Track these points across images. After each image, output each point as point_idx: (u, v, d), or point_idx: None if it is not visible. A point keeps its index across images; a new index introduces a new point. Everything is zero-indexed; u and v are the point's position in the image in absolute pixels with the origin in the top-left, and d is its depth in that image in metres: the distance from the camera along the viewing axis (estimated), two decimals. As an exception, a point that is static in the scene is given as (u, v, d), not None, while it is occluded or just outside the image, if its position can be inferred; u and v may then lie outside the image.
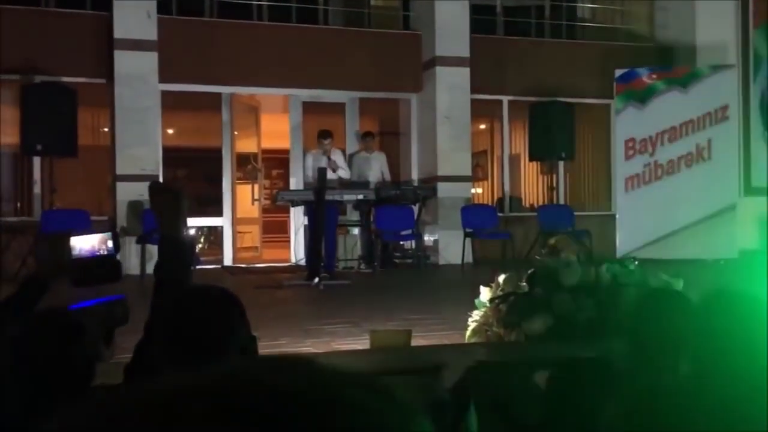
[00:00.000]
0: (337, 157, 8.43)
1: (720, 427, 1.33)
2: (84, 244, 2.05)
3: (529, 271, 3.58)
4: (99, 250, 2.05)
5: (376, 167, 9.25)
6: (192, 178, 12.06)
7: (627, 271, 3.61)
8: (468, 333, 3.58)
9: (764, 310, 1.55)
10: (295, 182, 9.83)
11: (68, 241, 2.07)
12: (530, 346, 3.18)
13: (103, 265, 2.10)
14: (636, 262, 4.52)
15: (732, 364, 1.40)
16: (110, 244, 2.06)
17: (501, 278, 3.57)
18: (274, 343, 4.12)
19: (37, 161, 8.60)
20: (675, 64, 10.40)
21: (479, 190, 11.67)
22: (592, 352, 2.98)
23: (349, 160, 9.49)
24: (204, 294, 1.75)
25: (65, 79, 8.47)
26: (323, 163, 8.03)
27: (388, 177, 9.39)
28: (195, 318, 1.60)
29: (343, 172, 8.43)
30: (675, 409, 1.28)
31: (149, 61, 8.69)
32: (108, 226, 7.78)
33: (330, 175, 7.90)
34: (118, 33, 8.59)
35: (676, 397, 1.33)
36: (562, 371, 2.21)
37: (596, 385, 1.86)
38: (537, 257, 3.90)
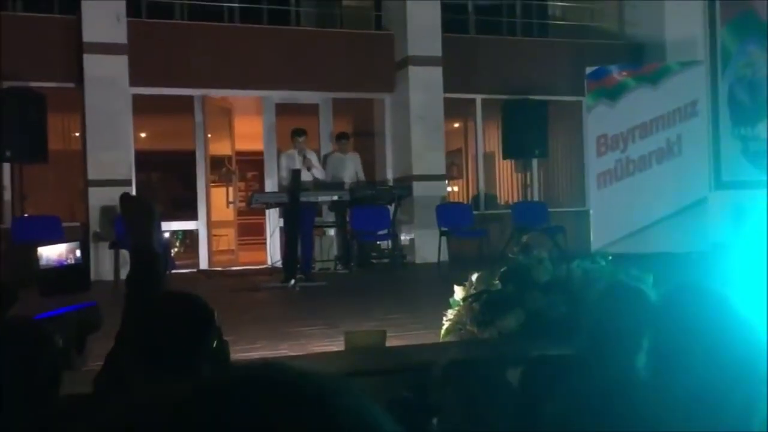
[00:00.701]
0: (312, 157, 8.41)
1: (678, 422, 1.35)
2: (51, 253, 2.03)
3: (502, 269, 3.61)
4: (67, 259, 2.04)
5: (351, 168, 9.25)
6: (166, 181, 11.96)
7: (598, 266, 3.65)
8: (442, 332, 3.60)
9: (725, 303, 1.58)
10: (270, 184, 9.80)
11: (35, 251, 2.04)
12: (503, 343, 3.21)
13: (71, 275, 2.08)
14: (610, 257, 4.57)
15: (690, 359, 1.43)
16: (78, 253, 2.05)
17: (474, 277, 3.59)
18: (251, 347, 4.11)
19: (6, 167, 8.47)
20: (645, 61, 10.54)
21: (455, 189, 11.73)
22: (564, 348, 3.01)
23: (324, 161, 9.48)
24: (174, 301, 1.75)
25: (34, 84, 8.36)
26: (297, 163, 8.01)
27: (362, 177, 9.39)
28: (164, 325, 1.59)
29: (318, 172, 8.39)
30: (630, 403, 1.30)
31: (119, 64, 8.61)
32: (77, 235, 7.70)
33: (305, 175, 7.88)
34: (87, 36, 8.50)
35: (632, 391, 1.35)
36: (533, 368, 2.23)
37: (566, 382, 1.89)
38: (510, 255, 3.94)
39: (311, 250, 7.80)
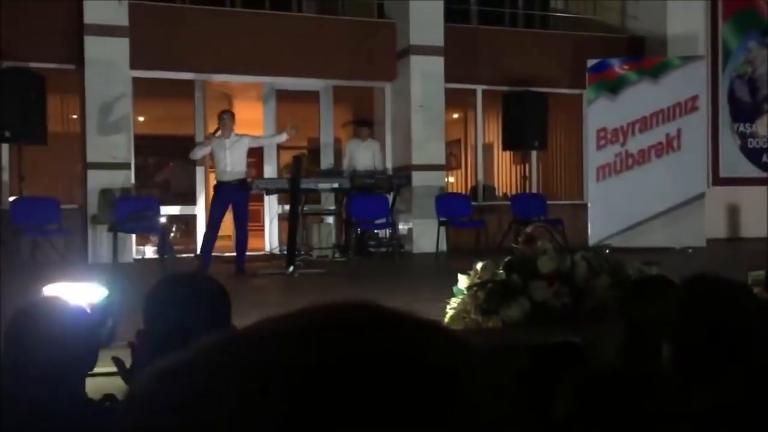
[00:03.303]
0: (237, 139, 7.42)
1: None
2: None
3: (506, 259, 3.62)
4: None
5: (367, 155, 9.20)
6: (164, 166, 11.93)
7: (601, 259, 3.66)
8: (446, 320, 3.61)
9: (742, 292, 1.59)
10: (270, 170, 9.80)
11: None
12: (507, 332, 3.23)
13: None
14: (607, 251, 4.58)
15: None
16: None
17: (479, 266, 3.60)
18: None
19: (5, 148, 8.44)
20: (646, 55, 10.54)
21: (452, 179, 11.73)
22: (568, 336, 3.03)
23: (336, 147, 9.54)
24: (199, 283, 1.73)
25: (33, 64, 8.30)
26: (226, 145, 7.25)
27: (380, 165, 9.33)
28: (186, 305, 1.59)
29: (244, 143, 7.48)
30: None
31: (120, 47, 8.56)
32: (75, 217, 7.63)
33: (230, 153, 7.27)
34: (88, 18, 8.44)
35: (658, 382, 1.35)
36: (536, 356, 2.24)
37: (568, 369, 1.89)
38: (513, 245, 3.95)
39: (246, 239, 7.40)
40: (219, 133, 7.34)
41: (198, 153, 7.56)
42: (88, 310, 1.88)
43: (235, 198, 7.16)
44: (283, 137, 7.91)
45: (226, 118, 7.39)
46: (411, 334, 0.40)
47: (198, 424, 0.35)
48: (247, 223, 7.47)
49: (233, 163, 7.21)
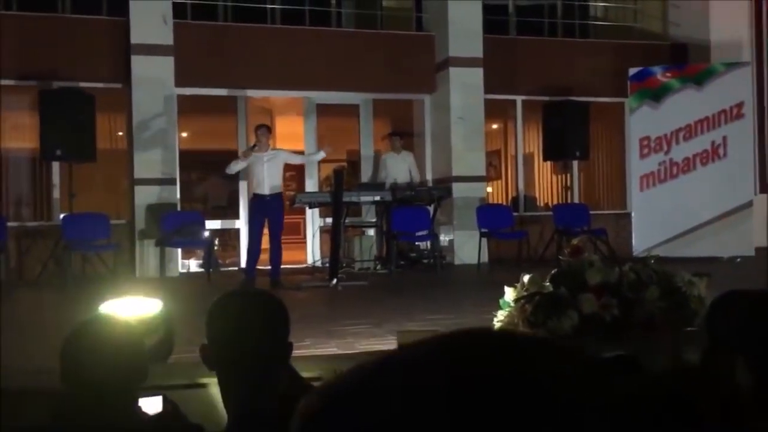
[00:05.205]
0: (274, 153, 7.50)
1: None
2: None
3: (553, 271, 3.61)
4: None
5: (402, 167, 9.27)
6: (208, 180, 12.13)
7: (650, 270, 3.63)
8: (493, 333, 3.61)
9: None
10: (312, 184, 9.89)
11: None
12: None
13: None
14: (652, 261, 4.53)
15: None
16: None
17: (525, 278, 3.59)
18: (299, 344, 4.14)
19: (56, 166, 8.69)
20: (689, 62, 10.40)
21: (489, 189, 11.69)
22: (617, 349, 3.01)
23: (376, 160, 9.57)
24: (260, 299, 1.76)
25: (83, 84, 8.55)
26: (263, 159, 7.29)
27: (416, 177, 9.38)
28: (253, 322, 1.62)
29: (280, 158, 7.53)
30: None
31: (165, 65, 8.75)
32: (123, 232, 7.73)
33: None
34: (135, 38, 8.66)
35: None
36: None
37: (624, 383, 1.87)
38: (560, 257, 3.93)
39: (280, 253, 7.40)
40: (256, 147, 7.38)
41: (234, 168, 7.56)
42: (141, 326, 1.94)
43: (271, 211, 7.23)
44: (320, 155, 8.04)
45: (262, 133, 7.45)
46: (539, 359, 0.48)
47: None
48: (281, 237, 7.51)
49: (270, 176, 7.28)
